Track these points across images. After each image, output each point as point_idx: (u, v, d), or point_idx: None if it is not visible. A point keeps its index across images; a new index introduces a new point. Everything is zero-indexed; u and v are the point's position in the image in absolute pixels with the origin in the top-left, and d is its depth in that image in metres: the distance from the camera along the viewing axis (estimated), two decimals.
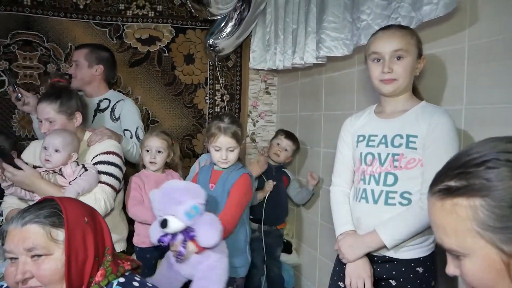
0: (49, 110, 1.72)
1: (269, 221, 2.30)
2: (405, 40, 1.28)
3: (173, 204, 1.53)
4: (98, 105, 2.20)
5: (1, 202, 1.83)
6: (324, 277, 2.31)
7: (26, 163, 1.65)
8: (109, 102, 2.20)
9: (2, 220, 1.83)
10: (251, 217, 2.15)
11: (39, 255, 0.93)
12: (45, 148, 1.64)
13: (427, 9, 1.39)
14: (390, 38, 1.29)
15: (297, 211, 2.65)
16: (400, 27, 1.34)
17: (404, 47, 1.27)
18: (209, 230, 1.53)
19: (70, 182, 1.64)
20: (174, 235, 1.56)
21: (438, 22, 1.43)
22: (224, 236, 1.60)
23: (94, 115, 2.17)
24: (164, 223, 1.52)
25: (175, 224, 1.52)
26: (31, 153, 1.83)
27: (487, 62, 1.30)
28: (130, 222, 2.10)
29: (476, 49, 1.34)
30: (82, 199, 1.61)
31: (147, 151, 1.96)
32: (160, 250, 1.92)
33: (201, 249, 1.56)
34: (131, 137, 2.14)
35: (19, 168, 1.60)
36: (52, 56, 2.48)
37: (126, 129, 2.16)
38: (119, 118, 2.17)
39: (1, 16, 2.35)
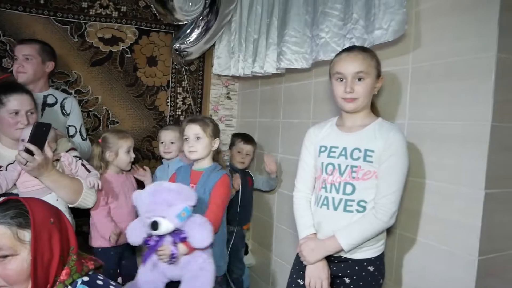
0: (29, 103, 1.70)
1: (237, 221, 2.35)
2: (366, 62, 1.39)
3: (163, 205, 1.52)
4: (45, 100, 2.19)
5: None
6: (279, 277, 2.42)
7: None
8: (56, 99, 2.22)
9: None
10: None
11: (5, 256, 0.94)
12: (23, 140, 1.61)
13: (378, 33, 1.53)
14: (352, 60, 1.39)
15: (253, 214, 2.74)
16: (362, 49, 1.45)
17: (365, 70, 1.38)
18: (202, 232, 1.55)
19: (71, 170, 1.74)
20: (161, 236, 1.55)
21: (388, 44, 1.58)
22: None
23: (43, 109, 2.17)
24: (154, 225, 1.50)
25: (166, 226, 1.51)
26: None
27: (426, 83, 1.47)
28: (86, 223, 2.10)
29: (418, 71, 1.51)
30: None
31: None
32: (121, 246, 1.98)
33: (191, 250, 1.58)
34: (75, 133, 2.23)
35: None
36: (8, 50, 2.40)
37: (72, 125, 2.23)
38: (69, 113, 2.24)
39: None
